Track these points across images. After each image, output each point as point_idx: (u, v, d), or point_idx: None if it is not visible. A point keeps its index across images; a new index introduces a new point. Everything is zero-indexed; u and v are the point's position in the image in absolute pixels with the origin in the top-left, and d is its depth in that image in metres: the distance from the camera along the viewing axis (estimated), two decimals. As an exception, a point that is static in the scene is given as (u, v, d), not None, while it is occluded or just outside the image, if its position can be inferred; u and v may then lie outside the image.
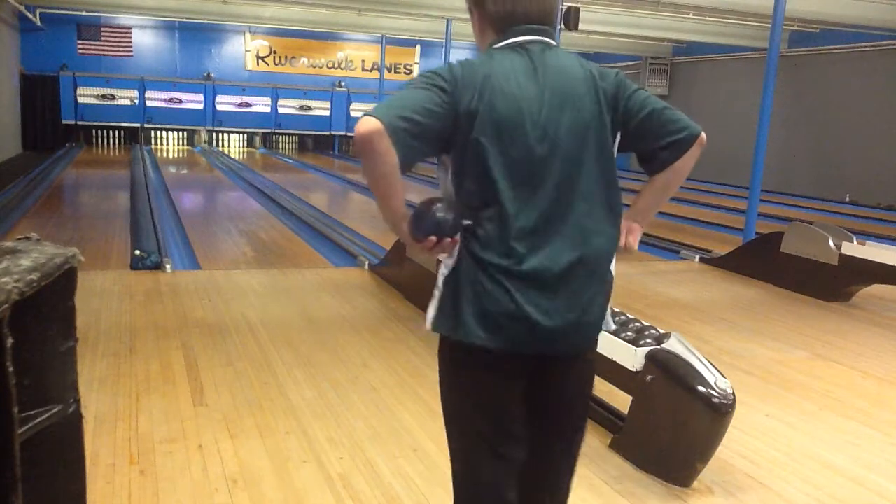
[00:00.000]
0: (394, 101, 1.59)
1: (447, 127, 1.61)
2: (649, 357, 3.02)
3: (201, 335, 4.49)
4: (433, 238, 1.62)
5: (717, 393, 2.79)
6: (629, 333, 3.25)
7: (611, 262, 1.74)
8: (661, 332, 3.21)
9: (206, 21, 18.90)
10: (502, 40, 1.72)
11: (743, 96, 16.52)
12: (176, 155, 20.02)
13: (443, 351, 1.77)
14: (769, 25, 8.16)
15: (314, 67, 22.40)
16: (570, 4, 10.38)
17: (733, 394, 2.81)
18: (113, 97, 19.91)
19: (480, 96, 1.61)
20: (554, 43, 1.75)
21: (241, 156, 20.40)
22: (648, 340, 3.14)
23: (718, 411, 2.78)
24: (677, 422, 2.94)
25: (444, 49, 15.02)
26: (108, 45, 20.37)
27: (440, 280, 1.72)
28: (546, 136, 1.63)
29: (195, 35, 20.99)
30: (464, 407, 1.75)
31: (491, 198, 1.62)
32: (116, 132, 20.61)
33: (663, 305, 5.72)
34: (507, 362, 1.68)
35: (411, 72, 22.98)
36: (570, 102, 1.66)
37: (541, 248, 1.63)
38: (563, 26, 10.15)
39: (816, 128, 15.51)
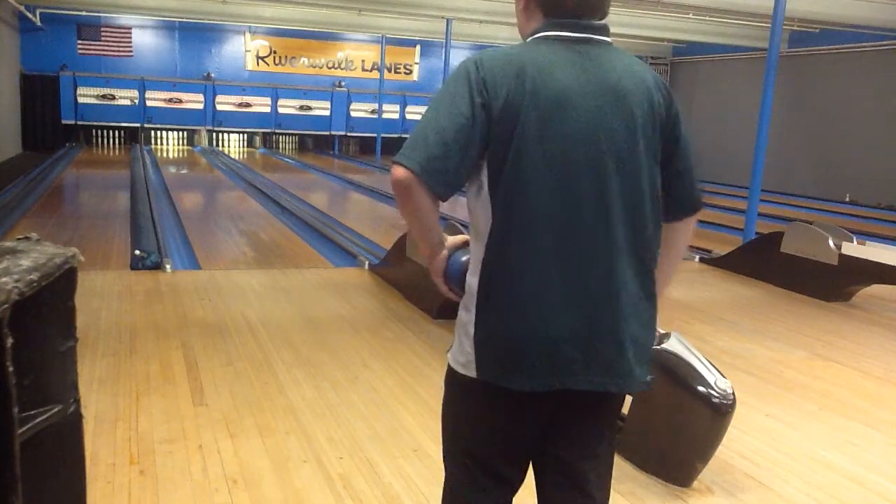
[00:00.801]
0: (426, 137, 1.48)
1: (484, 140, 1.49)
2: (649, 357, 3.02)
3: (201, 335, 4.49)
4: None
5: (717, 393, 2.79)
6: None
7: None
8: (662, 332, 3.20)
9: (206, 21, 18.90)
10: (548, 31, 1.56)
11: (743, 96, 16.52)
12: (176, 155, 20.02)
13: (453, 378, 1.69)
14: (769, 25, 8.16)
15: (314, 67, 22.39)
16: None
17: (733, 394, 2.81)
18: (113, 97, 19.90)
19: (516, 92, 1.48)
20: (610, 41, 1.59)
21: (241, 156, 20.40)
22: (648, 340, 3.13)
23: (718, 411, 2.78)
24: (677, 422, 2.94)
25: (444, 49, 15.02)
26: (108, 45, 20.36)
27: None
28: (590, 139, 1.51)
29: (195, 35, 20.98)
30: (465, 431, 1.70)
31: (522, 200, 1.50)
32: (116, 132, 20.59)
33: (663, 305, 5.69)
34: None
35: (411, 72, 22.98)
36: (620, 108, 1.52)
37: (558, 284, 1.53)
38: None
39: (816, 128, 15.52)
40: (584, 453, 1.69)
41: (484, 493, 1.68)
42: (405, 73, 22.95)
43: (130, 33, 20.54)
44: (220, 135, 21.68)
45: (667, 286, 1.77)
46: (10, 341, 1.23)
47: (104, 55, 20.31)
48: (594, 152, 1.51)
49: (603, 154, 1.51)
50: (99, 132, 20.42)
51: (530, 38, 1.59)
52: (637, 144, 1.54)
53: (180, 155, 20.12)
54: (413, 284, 5.38)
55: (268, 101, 21.41)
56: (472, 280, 1.61)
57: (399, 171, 1.47)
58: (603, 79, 1.53)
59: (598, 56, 1.55)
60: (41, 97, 18.95)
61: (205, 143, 21.39)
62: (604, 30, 1.58)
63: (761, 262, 6.81)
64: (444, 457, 1.78)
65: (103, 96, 19.79)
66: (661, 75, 18.46)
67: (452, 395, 1.71)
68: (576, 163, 1.50)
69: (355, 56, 22.61)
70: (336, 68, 22.57)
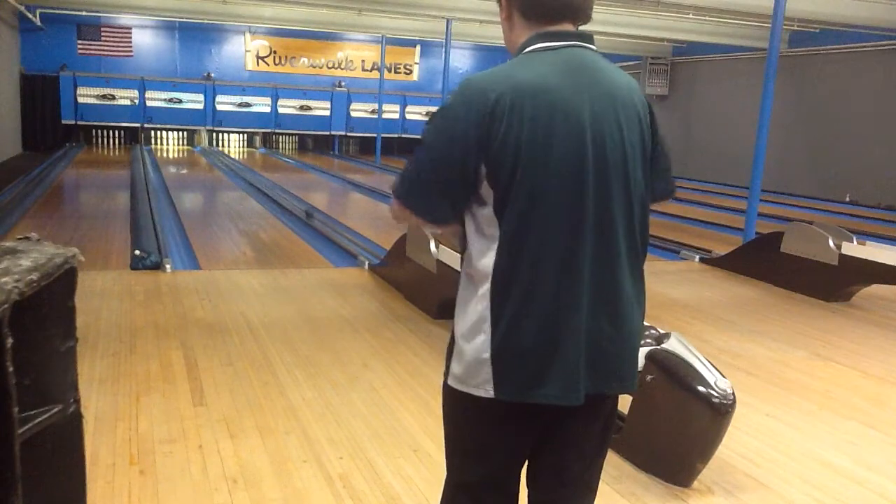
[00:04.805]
0: (420, 171, 1.53)
1: (484, 166, 1.47)
2: (649, 357, 3.02)
3: (201, 335, 4.49)
4: None
5: (717, 393, 2.79)
6: (629, 333, 3.24)
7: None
8: (661, 332, 3.21)
9: (206, 21, 18.89)
10: (536, 42, 1.56)
11: (743, 96, 16.51)
12: (176, 155, 20.01)
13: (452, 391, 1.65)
14: (769, 25, 8.16)
15: (314, 67, 22.40)
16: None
17: (733, 394, 2.81)
18: (113, 97, 19.89)
19: (515, 115, 1.46)
20: (595, 48, 1.60)
21: (241, 156, 20.40)
22: (648, 340, 3.14)
23: (718, 411, 2.78)
24: (677, 422, 2.94)
25: (443, 49, 15.02)
26: (108, 45, 20.36)
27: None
28: (593, 146, 1.50)
29: (195, 35, 20.98)
30: (471, 447, 1.68)
31: (534, 212, 1.48)
32: (116, 132, 20.60)
33: (663, 305, 5.71)
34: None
35: (411, 72, 22.98)
36: (615, 114, 1.53)
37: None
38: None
39: (816, 128, 15.51)
40: (579, 455, 1.69)
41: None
42: (405, 73, 22.94)
43: (130, 33, 20.54)
44: (220, 135, 21.68)
45: None
46: (10, 341, 1.23)
47: (104, 55, 20.32)
48: (597, 158, 1.51)
49: (605, 159, 1.52)
50: (99, 132, 20.43)
51: (521, 53, 1.57)
52: (633, 148, 1.56)
53: (180, 155, 20.11)
54: (413, 284, 5.38)
55: (268, 101, 21.42)
56: (481, 303, 1.54)
57: (394, 206, 1.59)
58: (597, 86, 1.54)
59: (590, 64, 1.56)
60: (41, 97, 18.95)
61: (205, 143, 21.39)
62: (591, 39, 1.59)
63: (761, 262, 6.81)
64: (447, 469, 1.76)
65: (103, 96, 19.79)
66: (660, 75, 18.37)
67: (458, 417, 1.67)
68: (581, 169, 1.50)
69: (355, 56, 22.61)
70: (336, 68, 22.58)
